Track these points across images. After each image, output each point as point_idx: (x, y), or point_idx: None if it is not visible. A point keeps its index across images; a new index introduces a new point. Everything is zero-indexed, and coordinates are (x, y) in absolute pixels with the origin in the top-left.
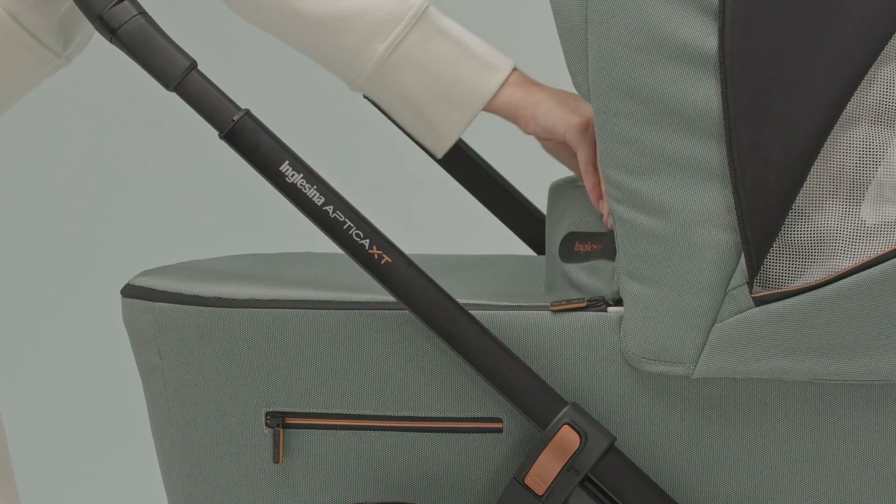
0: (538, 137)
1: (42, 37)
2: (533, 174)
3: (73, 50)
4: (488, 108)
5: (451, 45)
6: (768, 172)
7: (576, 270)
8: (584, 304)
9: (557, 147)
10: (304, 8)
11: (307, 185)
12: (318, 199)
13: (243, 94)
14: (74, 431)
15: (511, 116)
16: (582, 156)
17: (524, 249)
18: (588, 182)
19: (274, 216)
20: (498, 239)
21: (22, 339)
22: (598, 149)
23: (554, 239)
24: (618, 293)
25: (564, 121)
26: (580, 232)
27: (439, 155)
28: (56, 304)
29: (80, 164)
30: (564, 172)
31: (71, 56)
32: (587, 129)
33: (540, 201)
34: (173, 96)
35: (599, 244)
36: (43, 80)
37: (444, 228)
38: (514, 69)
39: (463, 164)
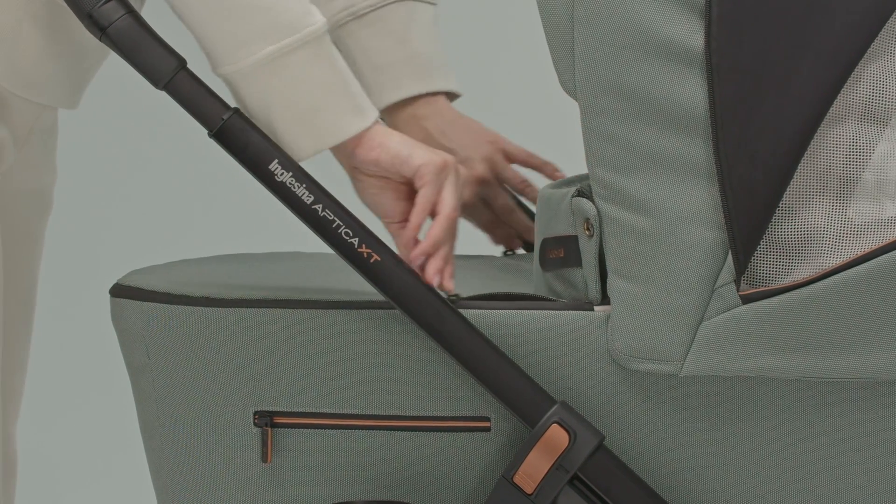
0: (360, 171)
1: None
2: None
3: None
4: (338, 146)
5: (332, 75)
6: (755, 170)
7: (552, 279)
8: None
9: (379, 185)
10: None
11: (296, 184)
12: (308, 198)
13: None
14: (74, 431)
15: (353, 145)
16: (425, 194)
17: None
18: (403, 236)
19: (263, 215)
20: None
21: None
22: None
23: (537, 246)
24: (595, 301)
25: (422, 156)
26: (550, 237)
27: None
28: (52, 304)
29: (73, 164)
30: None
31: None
32: (444, 169)
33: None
34: (166, 95)
35: (561, 250)
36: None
37: None
38: (377, 121)
39: None
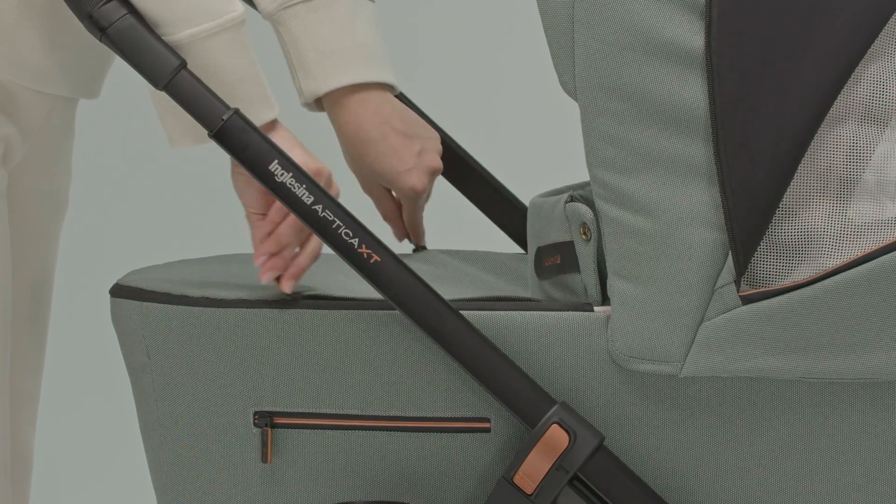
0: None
1: None
2: (525, 174)
3: None
4: None
5: (247, 66)
6: (755, 171)
7: (549, 287)
8: None
9: (250, 178)
10: None
11: (296, 184)
12: (308, 198)
13: None
14: (74, 431)
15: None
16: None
17: (516, 249)
18: (259, 228)
19: None
20: (491, 240)
21: None
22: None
23: (531, 256)
24: (595, 304)
25: (297, 157)
26: (545, 245)
27: (170, 146)
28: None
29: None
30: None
31: None
32: (315, 176)
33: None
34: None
35: (557, 257)
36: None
37: (436, 229)
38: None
39: (455, 164)
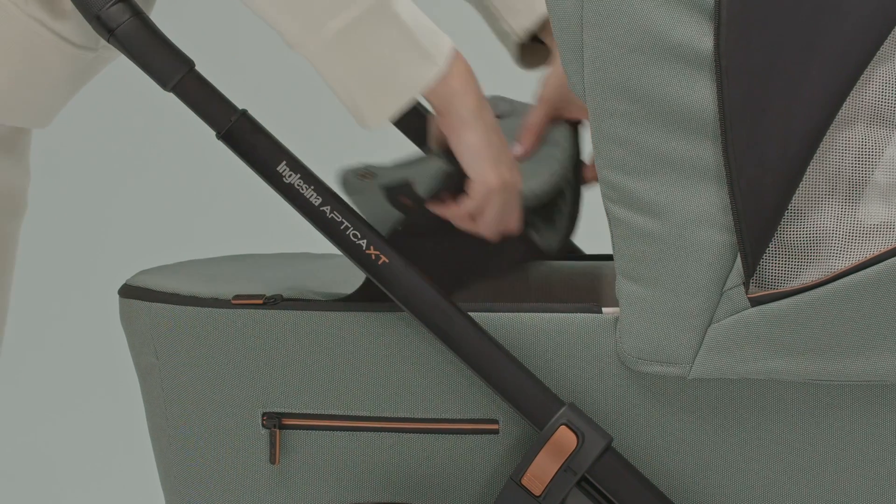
0: (435, 128)
1: (72, 38)
2: None
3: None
4: (424, 96)
5: (399, 34)
6: (764, 173)
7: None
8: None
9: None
10: None
11: (304, 186)
12: (316, 200)
13: (241, 94)
14: (74, 431)
15: (439, 112)
16: (467, 208)
17: None
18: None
19: (272, 216)
20: None
21: (21, 339)
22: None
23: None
24: None
25: (478, 173)
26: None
27: (366, 127)
28: (55, 304)
29: (79, 163)
30: None
31: (108, 47)
32: (492, 193)
33: None
34: (172, 96)
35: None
36: (91, 71)
37: None
38: (456, 58)
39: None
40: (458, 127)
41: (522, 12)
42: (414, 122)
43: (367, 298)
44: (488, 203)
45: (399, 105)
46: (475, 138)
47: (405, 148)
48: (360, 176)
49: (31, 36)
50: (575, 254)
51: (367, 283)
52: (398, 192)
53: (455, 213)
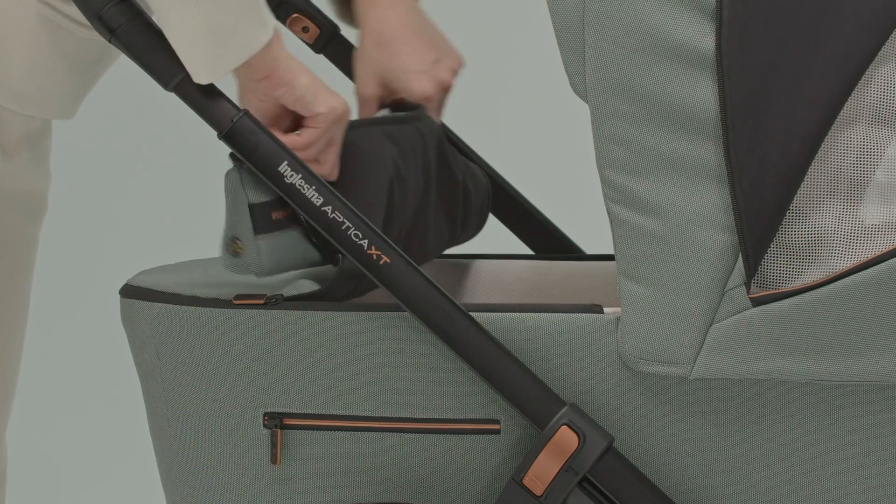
0: (252, 91)
1: (84, 20)
2: (534, 175)
3: None
4: (246, 70)
5: None
6: (766, 173)
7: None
8: (262, 301)
9: (265, 105)
10: None
11: (306, 185)
12: (317, 200)
13: None
14: (75, 431)
15: (262, 76)
16: (314, 142)
17: (524, 249)
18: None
19: None
20: (499, 240)
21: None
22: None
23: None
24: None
25: (324, 103)
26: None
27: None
28: (56, 304)
29: (80, 163)
30: (572, 173)
31: None
32: (339, 121)
33: (541, 203)
34: (173, 96)
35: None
36: (109, 56)
37: None
38: (276, 28)
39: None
40: (290, 76)
41: None
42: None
43: (333, 298)
44: (336, 130)
45: (235, 63)
46: (307, 77)
47: None
48: (233, 251)
49: (45, 22)
50: (576, 254)
51: (334, 282)
52: (269, 210)
53: (299, 143)
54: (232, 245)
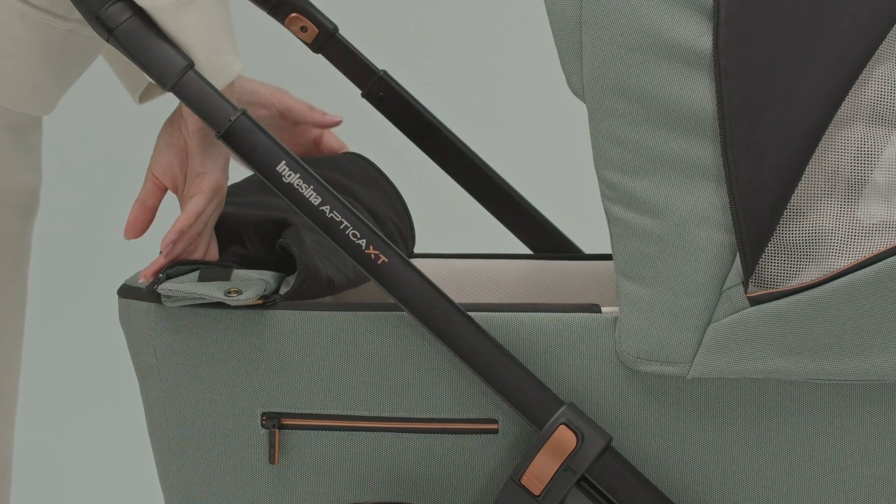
0: (177, 127)
1: (34, 1)
2: (532, 175)
3: None
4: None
5: (227, 15)
6: (763, 172)
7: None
8: None
9: (176, 149)
10: None
11: (304, 185)
12: (315, 199)
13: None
14: (74, 431)
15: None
16: (194, 207)
17: (522, 248)
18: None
19: None
20: (497, 240)
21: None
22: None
23: None
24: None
25: (212, 177)
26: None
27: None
28: (55, 304)
29: (78, 163)
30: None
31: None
32: (216, 195)
33: (539, 201)
34: (172, 96)
35: None
36: (80, 52)
37: (443, 229)
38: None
39: (462, 165)
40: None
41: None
42: (411, 116)
43: (298, 297)
44: (218, 202)
45: (221, 85)
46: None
47: (403, 145)
48: (233, 295)
49: (17, 14)
50: (574, 253)
51: (299, 284)
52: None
53: (184, 222)
54: (229, 295)
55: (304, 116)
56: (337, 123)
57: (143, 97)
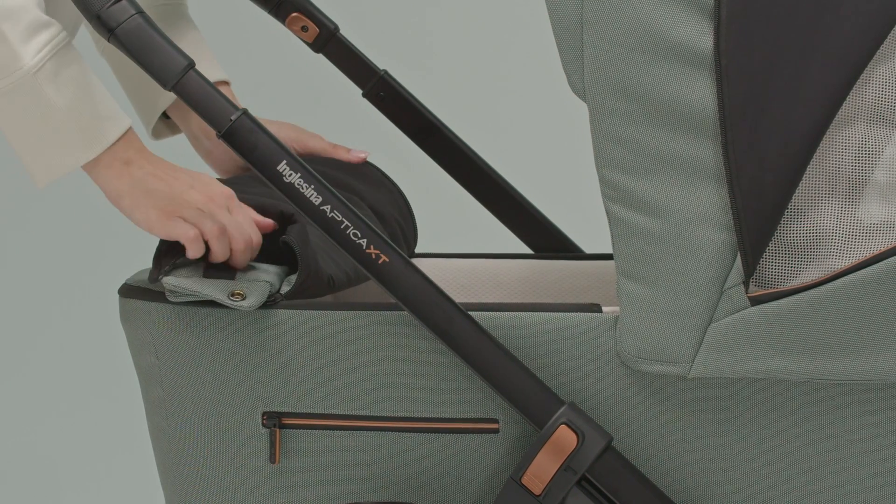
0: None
1: None
2: (533, 174)
3: None
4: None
5: (48, 111)
6: (764, 172)
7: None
8: None
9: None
10: None
11: (304, 185)
12: (316, 199)
13: (241, 94)
14: (74, 431)
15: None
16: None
17: (523, 248)
18: None
19: None
20: (498, 239)
21: (21, 339)
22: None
23: None
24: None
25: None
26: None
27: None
28: (56, 304)
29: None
30: (571, 172)
31: None
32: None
33: (540, 202)
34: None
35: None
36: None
37: (444, 229)
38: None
39: (463, 165)
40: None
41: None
42: (412, 116)
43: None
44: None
45: (63, 172)
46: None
47: (404, 145)
48: (237, 297)
49: None
50: (575, 253)
51: (300, 284)
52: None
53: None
54: (233, 299)
55: (328, 156)
56: (363, 159)
57: (156, 133)
